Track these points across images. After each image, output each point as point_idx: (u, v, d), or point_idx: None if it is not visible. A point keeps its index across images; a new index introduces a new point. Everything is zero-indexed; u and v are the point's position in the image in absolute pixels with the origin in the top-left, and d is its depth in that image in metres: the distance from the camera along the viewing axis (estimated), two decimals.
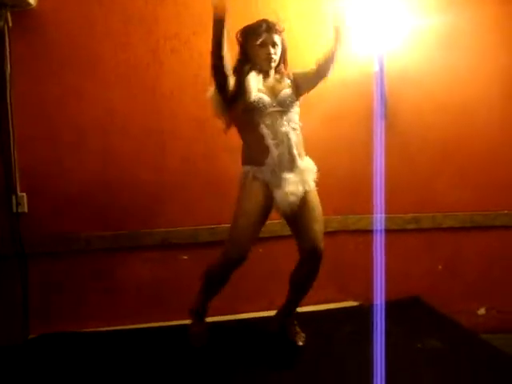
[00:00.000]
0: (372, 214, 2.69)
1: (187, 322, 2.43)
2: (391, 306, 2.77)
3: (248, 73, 2.11)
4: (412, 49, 2.85)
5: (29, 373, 2.21)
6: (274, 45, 2.14)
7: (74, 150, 2.59)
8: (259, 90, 2.13)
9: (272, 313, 2.56)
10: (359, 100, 2.82)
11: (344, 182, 2.83)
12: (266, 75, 2.19)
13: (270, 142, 2.12)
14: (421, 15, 2.83)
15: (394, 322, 2.55)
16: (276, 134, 2.13)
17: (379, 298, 2.43)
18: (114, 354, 2.35)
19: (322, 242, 2.24)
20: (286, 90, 2.19)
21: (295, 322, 2.47)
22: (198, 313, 2.43)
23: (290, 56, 2.67)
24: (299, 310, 2.50)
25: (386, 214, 2.88)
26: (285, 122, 2.15)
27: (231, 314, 2.72)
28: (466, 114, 2.94)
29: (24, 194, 2.56)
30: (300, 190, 2.17)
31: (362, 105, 2.80)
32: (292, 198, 2.15)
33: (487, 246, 3.03)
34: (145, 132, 2.66)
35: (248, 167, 2.20)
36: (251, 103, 2.09)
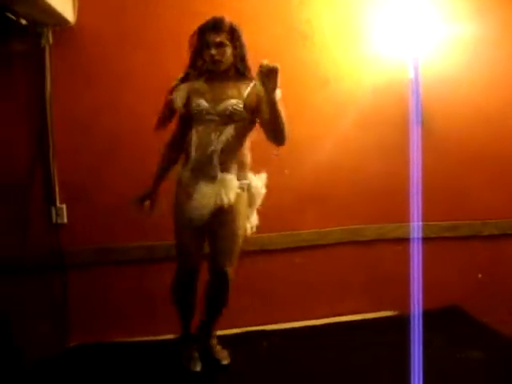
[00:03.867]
0: (409, 221, 2.64)
1: (222, 332, 2.43)
2: (430, 316, 2.69)
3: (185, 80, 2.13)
4: (447, 54, 2.82)
5: (68, 383, 2.24)
6: (218, 45, 2.02)
7: (110, 161, 2.63)
8: (198, 92, 2.08)
9: (307, 323, 2.54)
10: (394, 106, 2.79)
11: (380, 190, 2.80)
12: (217, 78, 2.09)
13: (192, 147, 2.09)
14: (455, 21, 2.80)
15: (433, 332, 2.49)
16: (202, 140, 2.07)
17: (416, 308, 2.38)
18: (152, 364, 2.37)
19: (228, 264, 2.13)
20: (232, 101, 2.05)
21: (214, 342, 2.37)
22: (184, 337, 2.39)
23: (324, 62, 2.73)
24: (336, 320, 2.47)
25: (422, 221, 2.83)
26: (216, 132, 2.05)
27: (271, 323, 2.70)
28: (503, 118, 2.89)
29: (63, 205, 2.61)
30: (210, 203, 2.06)
31: (398, 111, 2.76)
32: (199, 212, 2.06)
33: None
34: None
35: (178, 167, 2.20)
36: (189, 107, 2.08)
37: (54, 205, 2.59)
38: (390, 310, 2.88)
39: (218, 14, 2.58)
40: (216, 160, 2.05)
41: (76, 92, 2.57)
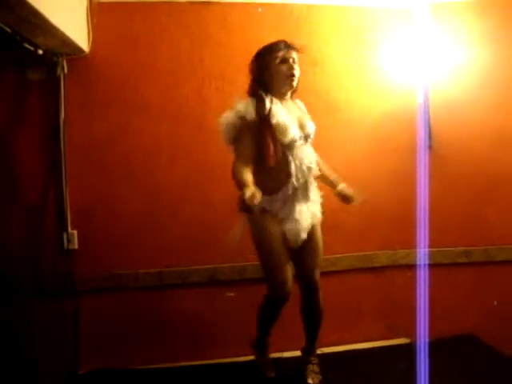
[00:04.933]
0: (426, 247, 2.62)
1: (236, 359, 2.41)
2: (444, 344, 2.67)
3: (270, 104, 2.03)
4: (456, 80, 2.83)
5: None
6: (294, 61, 2.08)
7: (122, 187, 2.65)
8: (291, 121, 2.08)
9: (318, 350, 2.50)
10: (404, 132, 2.80)
11: (391, 216, 2.79)
12: (283, 101, 2.12)
13: (293, 175, 2.07)
14: (464, 47, 2.82)
15: (447, 360, 2.45)
16: (300, 167, 2.09)
17: (423, 336, 2.34)
18: None
19: (317, 273, 2.24)
20: (311, 123, 2.17)
21: (314, 361, 2.38)
22: (259, 348, 2.43)
23: (335, 89, 2.77)
24: (349, 347, 2.43)
25: (435, 247, 2.81)
26: (308, 154, 2.13)
27: (282, 351, 2.66)
28: None
29: (75, 231, 2.63)
30: (309, 223, 2.15)
31: (408, 137, 2.78)
32: (303, 235, 2.13)
33: None
34: (192, 168, 2.70)
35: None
36: (288, 140, 2.04)
37: (66, 230, 2.61)
38: (403, 337, 2.84)
39: (231, 42, 2.66)
40: (313, 181, 2.16)
41: (90, 119, 2.61)
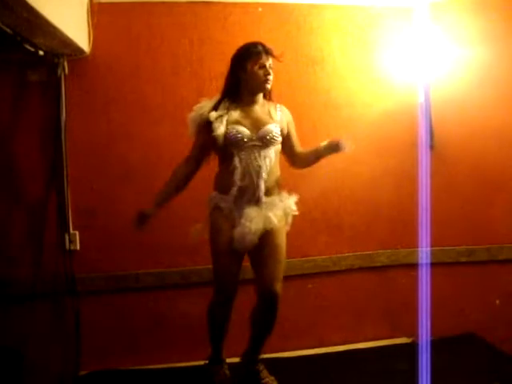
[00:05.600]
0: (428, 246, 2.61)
1: (237, 359, 2.40)
2: (446, 343, 2.67)
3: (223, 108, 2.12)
4: (457, 78, 2.82)
5: None
6: (270, 66, 2.13)
7: (123, 188, 2.65)
8: (240, 122, 2.11)
9: (320, 350, 2.50)
10: (405, 131, 2.79)
11: (393, 215, 2.79)
12: (252, 102, 2.16)
13: (237, 174, 2.09)
14: (465, 45, 2.81)
15: (449, 360, 2.44)
16: (248, 167, 2.09)
17: (425, 335, 2.33)
18: None
19: (277, 285, 2.13)
20: (271, 126, 2.13)
21: (261, 368, 2.32)
22: (214, 359, 2.37)
23: (336, 88, 2.77)
24: (351, 347, 2.43)
25: (438, 246, 2.80)
26: (260, 157, 2.11)
27: (284, 351, 2.66)
28: None
29: (76, 231, 2.63)
30: (259, 228, 2.09)
31: (408, 135, 2.77)
32: (250, 239, 2.09)
33: None
34: None
35: (214, 193, 2.20)
36: (229, 136, 2.08)
37: (68, 231, 2.61)
38: (406, 336, 2.83)
39: (231, 42, 2.65)
40: (263, 184, 2.10)
41: (90, 120, 2.61)
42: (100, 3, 2.55)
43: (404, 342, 2.81)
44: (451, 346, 2.66)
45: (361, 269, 2.82)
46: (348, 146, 2.07)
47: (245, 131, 2.10)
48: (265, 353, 2.50)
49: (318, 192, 2.74)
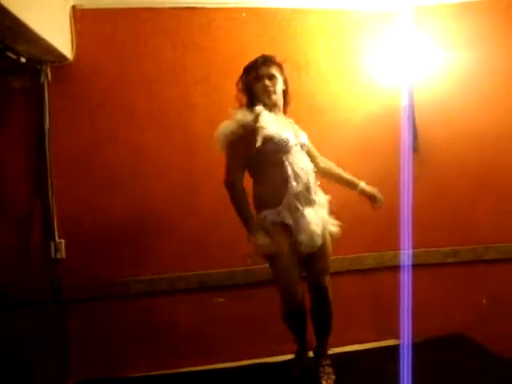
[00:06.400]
0: (410, 248, 2.63)
1: (227, 364, 2.40)
2: (433, 343, 2.68)
3: (260, 112, 2.09)
4: (441, 81, 2.85)
5: None
6: (271, 77, 2.13)
7: (109, 195, 2.64)
8: (283, 128, 2.12)
9: (310, 353, 2.50)
10: (389, 134, 2.81)
11: (378, 218, 2.78)
12: (272, 112, 2.16)
13: (291, 179, 2.08)
14: (448, 48, 2.84)
15: (436, 360, 2.46)
16: (297, 171, 2.10)
17: (407, 337, 2.35)
18: None
19: (328, 281, 2.25)
20: (304, 135, 2.24)
21: (324, 363, 2.36)
22: (302, 351, 2.45)
23: (320, 92, 2.78)
24: (339, 350, 2.43)
25: (423, 247, 2.83)
26: (303, 160, 2.16)
27: (273, 355, 2.65)
28: (500, 143, 2.90)
29: (62, 240, 2.61)
30: (321, 229, 2.14)
31: (392, 139, 2.79)
32: (318, 242, 2.13)
33: None
34: (178, 173, 2.69)
35: (264, 213, 2.11)
36: (280, 142, 2.07)
37: (53, 240, 2.59)
38: (393, 338, 2.84)
39: (215, 47, 2.66)
40: (313, 185, 2.15)
41: (75, 127, 2.60)
42: (83, 9, 2.54)
43: (393, 344, 2.82)
44: (438, 347, 2.67)
45: (348, 272, 2.82)
46: (382, 200, 2.32)
47: (291, 136, 2.12)
48: (253, 358, 2.52)
49: None
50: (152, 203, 2.65)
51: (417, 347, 2.35)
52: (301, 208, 2.09)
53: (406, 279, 2.50)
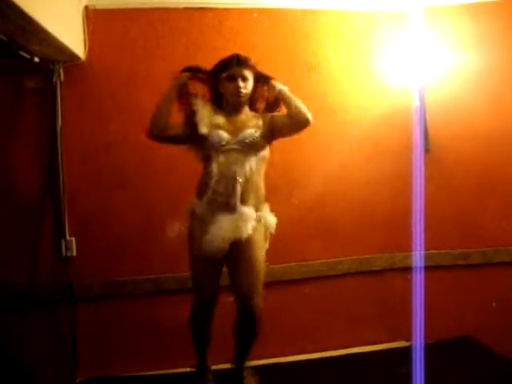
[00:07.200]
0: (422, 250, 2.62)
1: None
2: (443, 346, 2.67)
3: (202, 107, 2.11)
4: (452, 83, 2.84)
5: None
6: (243, 79, 2.10)
7: (120, 194, 2.65)
8: (219, 126, 2.09)
9: (318, 355, 2.50)
10: (400, 134, 2.81)
11: (389, 219, 2.79)
12: (234, 111, 2.14)
13: (212, 178, 2.05)
14: (460, 49, 2.83)
15: (446, 363, 2.45)
16: (224, 171, 2.05)
17: (419, 338, 2.34)
18: None
19: (253, 297, 2.10)
20: (251, 130, 2.09)
21: (245, 374, 2.31)
22: (200, 368, 2.37)
23: (331, 92, 2.77)
24: (349, 351, 2.43)
25: (434, 249, 2.82)
26: (239, 163, 2.06)
27: (281, 356, 2.65)
28: (510, 142, 2.88)
29: (73, 238, 2.62)
30: (229, 236, 2.04)
31: (404, 139, 2.79)
32: (217, 245, 2.04)
33: None
34: (188, 173, 2.68)
35: (192, 198, 2.16)
36: (206, 138, 2.06)
37: (64, 238, 2.60)
38: (403, 340, 2.84)
39: (227, 48, 2.65)
40: (238, 192, 2.05)
41: (86, 127, 2.61)
42: (96, 9, 2.55)
43: (403, 346, 2.81)
44: (448, 349, 2.67)
45: (358, 273, 2.82)
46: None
47: (223, 134, 2.07)
48: (262, 358, 2.51)
49: (314, 197, 2.75)
50: (162, 202, 2.65)
51: (426, 349, 2.34)
52: (217, 210, 2.06)
53: (418, 281, 2.48)
